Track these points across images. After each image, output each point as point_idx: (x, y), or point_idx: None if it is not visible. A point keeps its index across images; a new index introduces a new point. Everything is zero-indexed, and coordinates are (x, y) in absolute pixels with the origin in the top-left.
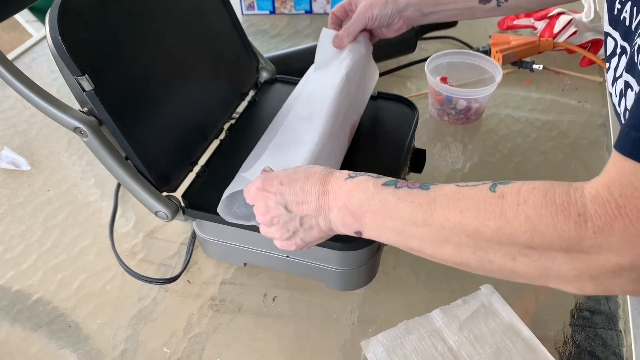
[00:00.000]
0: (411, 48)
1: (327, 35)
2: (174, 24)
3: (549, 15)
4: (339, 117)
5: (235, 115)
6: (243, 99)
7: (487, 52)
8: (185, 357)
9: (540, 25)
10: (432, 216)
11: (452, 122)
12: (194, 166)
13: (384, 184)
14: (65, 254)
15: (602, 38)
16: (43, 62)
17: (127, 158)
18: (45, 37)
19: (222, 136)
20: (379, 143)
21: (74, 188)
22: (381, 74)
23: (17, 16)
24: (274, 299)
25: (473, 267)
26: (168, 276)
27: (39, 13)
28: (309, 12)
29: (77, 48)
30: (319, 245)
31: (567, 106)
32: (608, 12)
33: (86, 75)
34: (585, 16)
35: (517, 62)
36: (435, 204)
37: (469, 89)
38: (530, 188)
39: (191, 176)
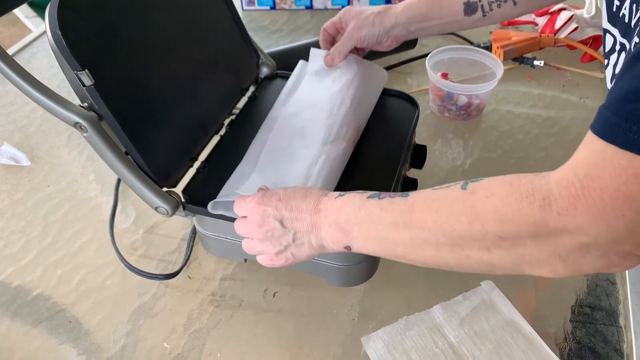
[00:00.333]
0: (412, 44)
1: (317, 54)
2: (174, 19)
3: (550, 11)
4: (334, 128)
5: (236, 111)
6: (243, 95)
7: (488, 48)
8: (186, 352)
9: (542, 21)
10: (412, 220)
11: (453, 118)
12: (194, 161)
13: (368, 197)
14: (66, 250)
15: None
16: (43, 58)
17: (127, 153)
18: (44, 32)
19: (222, 132)
20: (380, 139)
21: (74, 183)
22: None
23: (17, 11)
24: (274, 295)
25: (454, 266)
26: (168, 272)
27: (39, 8)
28: (310, 7)
29: (77, 43)
30: None
31: (568, 102)
32: (607, 8)
33: (86, 70)
34: (586, 12)
35: (518, 58)
36: (413, 208)
37: (470, 85)
38: (498, 182)
39: (191, 172)
